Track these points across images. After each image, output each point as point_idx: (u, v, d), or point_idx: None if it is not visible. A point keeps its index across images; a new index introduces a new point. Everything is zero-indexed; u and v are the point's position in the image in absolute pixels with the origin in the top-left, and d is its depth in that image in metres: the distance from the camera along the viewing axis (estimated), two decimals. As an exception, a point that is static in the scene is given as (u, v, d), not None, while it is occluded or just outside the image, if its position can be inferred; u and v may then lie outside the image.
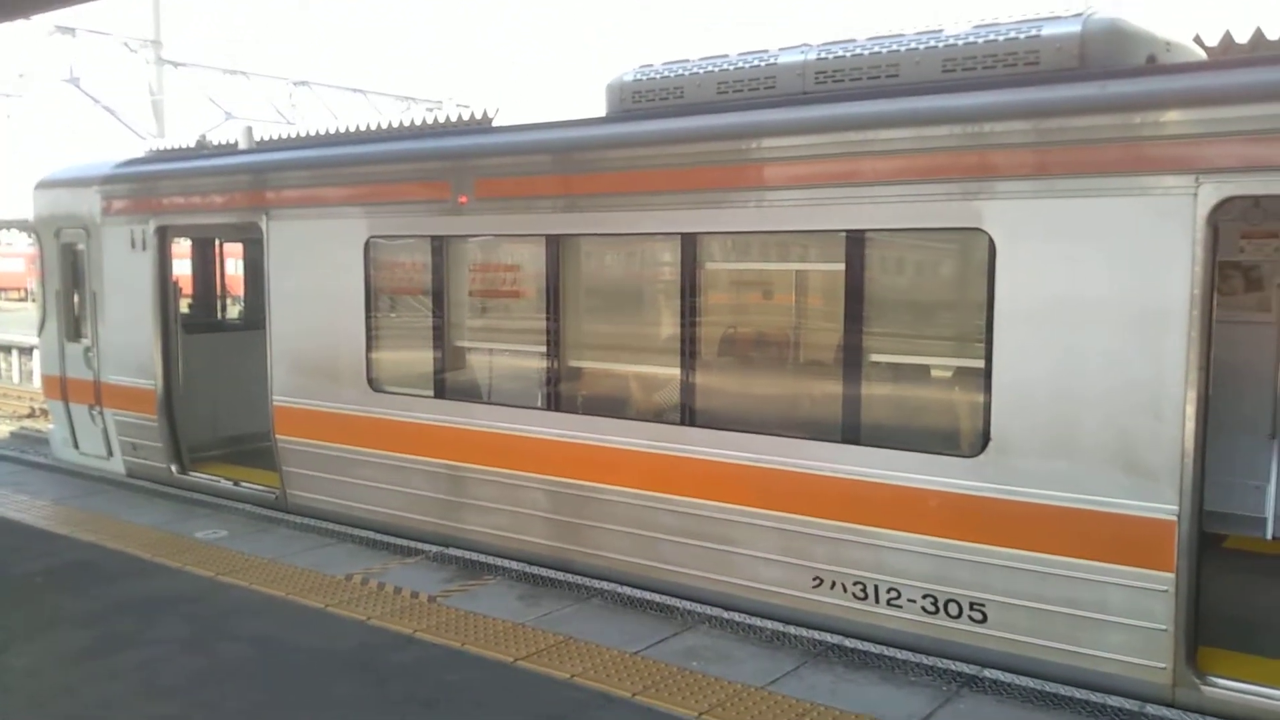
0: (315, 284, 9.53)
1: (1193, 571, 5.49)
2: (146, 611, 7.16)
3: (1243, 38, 8.49)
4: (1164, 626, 5.55)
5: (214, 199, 10.42)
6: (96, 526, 9.36)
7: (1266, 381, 8.10)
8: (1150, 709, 5.47)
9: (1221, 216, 5.44)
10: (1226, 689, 5.49)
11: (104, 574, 8.01)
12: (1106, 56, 6.20)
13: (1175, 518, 5.48)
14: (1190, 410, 5.42)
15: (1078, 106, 5.75)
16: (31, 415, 21.98)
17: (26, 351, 27.96)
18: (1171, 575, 5.51)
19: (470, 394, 8.77)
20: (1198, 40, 8.12)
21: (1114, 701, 5.55)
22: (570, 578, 7.73)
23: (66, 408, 12.24)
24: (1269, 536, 8.08)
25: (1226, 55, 8.37)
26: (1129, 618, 5.64)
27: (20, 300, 52.20)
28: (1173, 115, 5.44)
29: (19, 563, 8.31)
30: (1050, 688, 5.72)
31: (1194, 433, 5.42)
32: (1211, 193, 5.30)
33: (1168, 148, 5.44)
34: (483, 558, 8.27)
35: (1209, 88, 5.52)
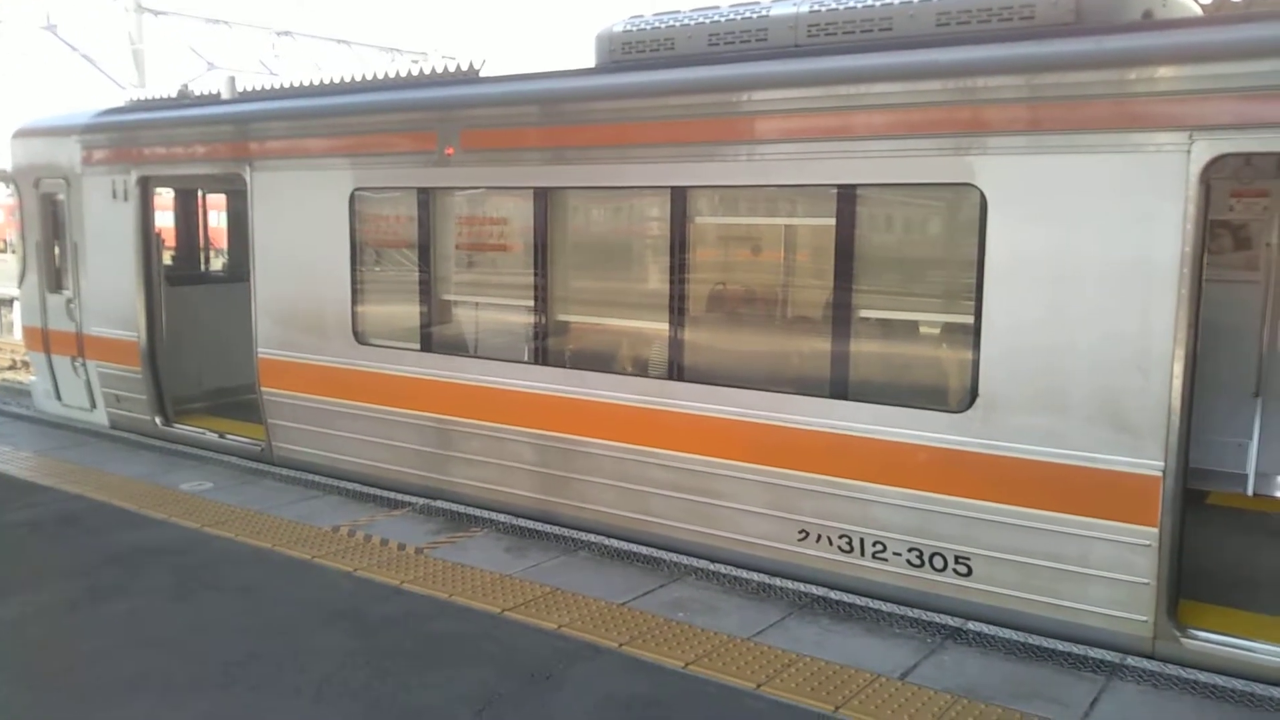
0: (300, 236, 9.44)
1: (1176, 527, 5.55)
2: (133, 563, 7.15)
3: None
4: (1146, 580, 5.61)
5: (197, 149, 10.29)
6: (81, 478, 9.32)
7: (1251, 340, 8.15)
8: (1131, 661, 5.54)
9: (1214, 174, 5.43)
10: (1206, 641, 5.56)
11: (89, 525, 8.00)
12: (1102, 12, 6.14)
13: (1161, 474, 5.52)
14: (1178, 369, 5.43)
15: (1072, 62, 5.71)
16: (13, 367, 21.81)
17: (6, 303, 27.71)
18: (1155, 530, 5.56)
19: (457, 347, 8.74)
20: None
21: (1095, 653, 5.62)
22: (557, 530, 7.76)
23: (49, 360, 12.15)
24: (1250, 493, 8.18)
25: (1222, 11, 8.31)
26: (1112, 572, 5.70)
27: (0, 252, 51.58)
28: (1167, 71, 5.41)
29: (3, 514, 8.28)
30: (1033, 640, 5.79)
31: (1181, 391, 5.45)
32: (1205, 150, 5.28)
33: (1162, 104, 5.41)
34: (470, 510, 8.29)
35: (1204, 44, 5.48)
